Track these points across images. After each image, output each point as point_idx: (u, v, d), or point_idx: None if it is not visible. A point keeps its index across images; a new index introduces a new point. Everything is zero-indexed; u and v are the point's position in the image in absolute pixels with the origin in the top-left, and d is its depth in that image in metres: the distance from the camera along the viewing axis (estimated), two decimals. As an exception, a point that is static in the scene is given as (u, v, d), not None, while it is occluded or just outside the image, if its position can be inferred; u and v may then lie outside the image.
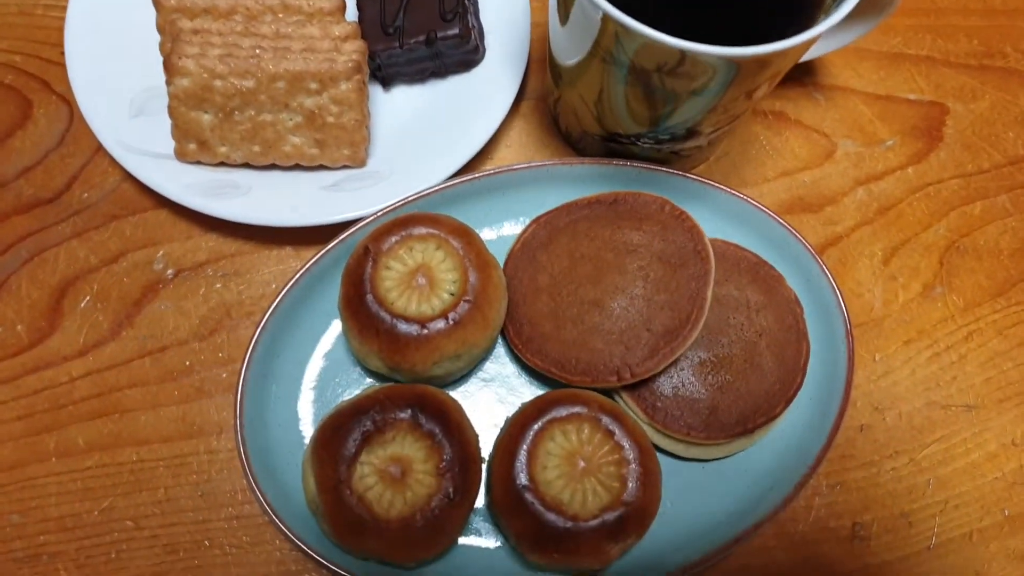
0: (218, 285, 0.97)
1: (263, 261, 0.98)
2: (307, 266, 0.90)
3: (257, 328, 0.87)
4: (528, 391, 0.88)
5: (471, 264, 0.80)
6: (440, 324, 0.79)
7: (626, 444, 0.79)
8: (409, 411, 0.77)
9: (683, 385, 0.84)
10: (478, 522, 0.83)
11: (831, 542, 0.86)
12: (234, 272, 0.93)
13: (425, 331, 0.78)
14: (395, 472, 0.73)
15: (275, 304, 0.88)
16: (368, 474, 0.74)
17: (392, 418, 0.75)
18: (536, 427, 0.79)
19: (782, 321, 0.87)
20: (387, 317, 0.78)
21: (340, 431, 0.75)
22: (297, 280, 0.89)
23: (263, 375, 0.83)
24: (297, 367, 0.87)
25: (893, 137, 1.06)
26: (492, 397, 0.88)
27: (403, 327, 0.78)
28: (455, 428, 0.77)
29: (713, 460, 0.86)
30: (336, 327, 0.88)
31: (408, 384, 0.81)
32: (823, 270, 0.92)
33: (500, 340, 0.90)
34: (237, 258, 0.98)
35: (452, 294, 0.80)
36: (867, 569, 0.85)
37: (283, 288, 0.88)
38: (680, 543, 0.82)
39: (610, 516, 0.74)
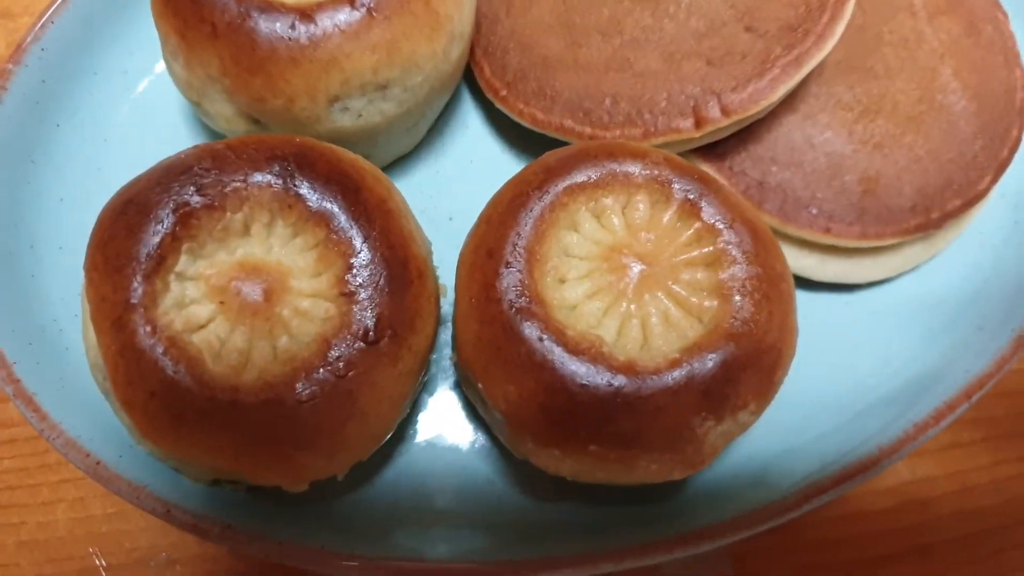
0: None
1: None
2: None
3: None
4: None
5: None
6: (341, 15, 0.46)
7: (724, 225, 0.45)
8: (276, 168, 0.35)
9: (812, 144, 0.52)
10: (441, 403, 0.53)
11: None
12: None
13: (310, 28, 0.45)
14: (251, 293, 0.41)
15: (35, 32, 0.47)
16: (194, 298, 0.42)
17: (240, 183, 0.42)
18: (541, 203, 0.45)
19: (975, 34, 0.55)
20: (230, 1, 0.45)
21: (131, 211, 0.41)
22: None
23: (21, 156, 0.53)
24: (92, 146, 0.56)
25: None
26: (456, 196, 0.58)
27: (263, 22, 0.45)
28: (375, 207, 0.43)
29: (868, 286, 0.55)
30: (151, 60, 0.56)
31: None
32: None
33: (466, 91, 0.60)
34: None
35: (362, -39, 0.47)
36: None
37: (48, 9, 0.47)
38: (812, 438, 0.51)
39: (705, 362, 0.41)
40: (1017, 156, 0.53)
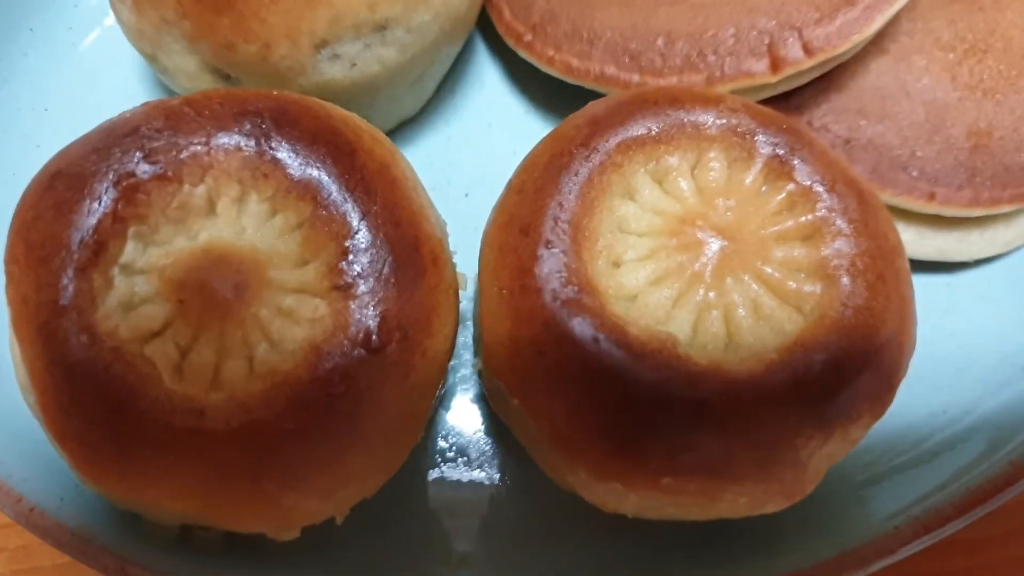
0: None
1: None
2: None
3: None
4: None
5: None
6: None
7: (823, 189, 0.35)
8: (247, 127, 0.26)
9: (908, 90, 0.44)
10: (461, 420, 0.44)
11: None
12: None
13: None
14: (220, 288, 0.32)
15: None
16: (145, 296, 0.33)
17: (200, 147, 0.33)
18: (588, 165, 0.36)
19: None
20: None
21: (60, 185, 0.33)
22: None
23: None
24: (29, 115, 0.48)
25: None
26: (471, 166, 0.50)
27: None
28: (375, 174, 0.35)
29: (977, 264, 0.47)
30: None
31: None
32: None
33: (480, 41, 0.53)
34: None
35: None
36: None
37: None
38: (928, 448, 0.42)
39: (811, 363, 0.32)
40: None
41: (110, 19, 0.49)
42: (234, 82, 0.40)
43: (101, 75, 0.49)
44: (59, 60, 0.48)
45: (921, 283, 0.45)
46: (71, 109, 0.50)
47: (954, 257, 0.45)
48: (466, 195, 0.48)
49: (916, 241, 0.44)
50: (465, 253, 0.39)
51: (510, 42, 0.46)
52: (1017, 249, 0.46)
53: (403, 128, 0.48)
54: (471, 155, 0.50)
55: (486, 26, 0.49)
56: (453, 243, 0.39)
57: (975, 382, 0.45)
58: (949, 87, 0.43)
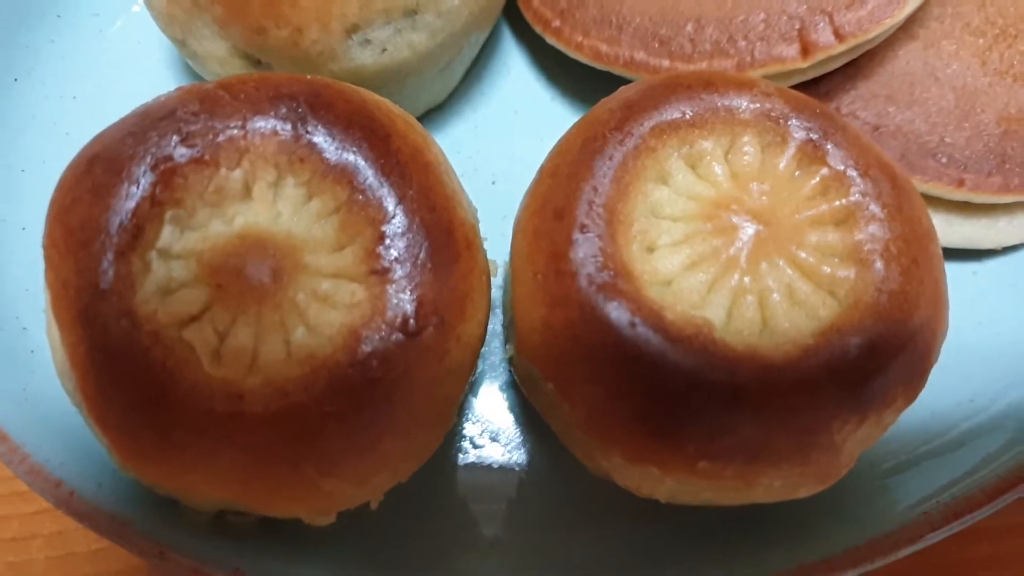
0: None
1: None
2: None
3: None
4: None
5: None
6: None
7: (857, 174, 0.35)
8: (283, 111, 0.26)
9: (937, 76, 0.44)
10: (490, 407, 0.44)
11: None
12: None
13: None
14: (256, 273, 0.32)
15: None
16: (182, 279, 0.33)
17: (237, 131, 0.33)
18: (623, 149, 0.36)
19: None
20: None
21: (98, 169, 0.33)
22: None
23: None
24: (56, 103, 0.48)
25: None
26: (499, 153, 0.50)
27: None
28: (409, 158, 0.35)
29: (1004, 252, 0.47)
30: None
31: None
32: None
33: (505, 27, 0.52)
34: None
35: None
36: None
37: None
38: (953, 438, 0.42)
39: (848, 347, 0.32)
40: None
41: (137, 5, 0.50)
42: (265, 67, 0.41)
43: (129, 61, 0.50)
44: (86, 47, 0.49)
45: (948, 271, 0.46)
46: (99, 96, 0.51)
47: (982, 244, 0.45)
48: (493, 183, 0.49)
49: (943, 228, 0.44)
50: (494, 240, 0.39)
51: (537, 28, 0.46)
52: (1045, 238, 0.47)
53: (430, 115, 0.49)
54: (498, 143, 0.50)
55: (513, 12, 0.49)
56: (481, 230, 0.39)
57: (1002, 371, 0.45)
58: (979, 72, 0.44)
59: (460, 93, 0.49)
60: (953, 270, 0.48)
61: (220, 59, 0.40)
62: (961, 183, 0.42)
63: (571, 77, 0.48)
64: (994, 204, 0.43)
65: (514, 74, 0.51)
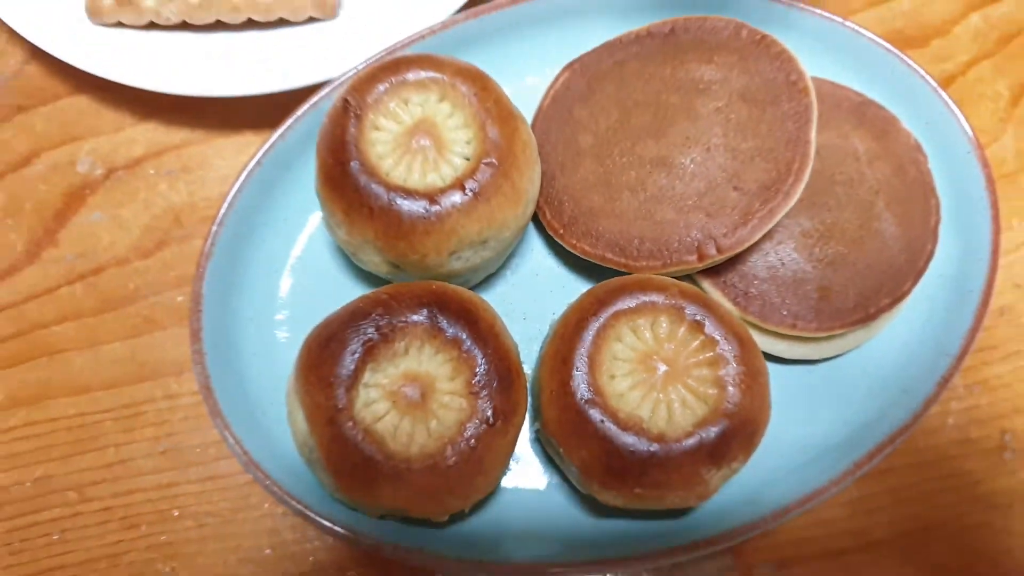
0: (163, 186, 0.75)
1: (217, 152, 0.75)
2: (271, 142, 0.67)
3: (211, 231, 0.64)
4: (575, 290, 0.72)
5: (489, 116, 0.58)
6: (455, 198, 0.61)
7: (720, 337, 0.59)
8: (424, 312, 0.55)
9: (783, 263, 0.68)
10: (525, 456, 0.69)
11: (975, 456, 0.71)
12: (181, 168, 0.72)
13: (436, 208, 0.61)
14: (412, 394, 0.58)
15: (232, 196, 0.66)
16: (376, 399, 0.58)
17: (402, 322, 0.56)
18: (597, 324, 0.62)
19: (902, 173, 0.72)
20: (381, 191, 0.61)
21: (333, 344, 0.58)
22: (259, 162, 0.67)
23: (226, 292, 0.67)
24: (269, 278, 0.70)
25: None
26: (528, 301, 0.72)
27: (405, 205, 0.61)
28: (487, 332, 0.56)
29: (824, 361, 0.71)
30: (315, 223, 0.70)
31: (420, 281, 0.58)
32: (949, 107, 0.70)
33: (532, 227, 0.75)
34: (184, 150, 0.76)
35: (467, 158, 0.63)
36: None
37: (240, 175, 0.66)
38: (784, 471, 0.68)
39: (709, 432, 0.58)
40: (931, 265, 0.72)
41: (312, 219, 0.71)
42: (401, 268, 0.63)
43: (311, 250, 0.72)
44: (284, 240, 0.71)
45: (792, 372, 0.70)
46: (295, 270, 0.71)
47: (811, 357, 0.68)
48: (524, 318, 0.71)
49: (787, 350, 0.67)
50: (525, 354, 0.67)
51: (550, 232, 0.69)
52: (849, 352, 0.69)
53: (487, 279, 0.72)
54: (527, 294, 0.72)
55: (535, 219, 0.71)
56: (520, 352, 0.68)
57: (822, 428, 0.68)
58: (807, 260, 0.66)
59: (504, 266, 0.72)
60: (797, 371, 0.69)
61: (375, 263, 0.63)
62: (794, 326, 0.65)
63: (571, 257, 0.71)
64: (815, 337, 0.70)
65: (536, 253, 0.73)
